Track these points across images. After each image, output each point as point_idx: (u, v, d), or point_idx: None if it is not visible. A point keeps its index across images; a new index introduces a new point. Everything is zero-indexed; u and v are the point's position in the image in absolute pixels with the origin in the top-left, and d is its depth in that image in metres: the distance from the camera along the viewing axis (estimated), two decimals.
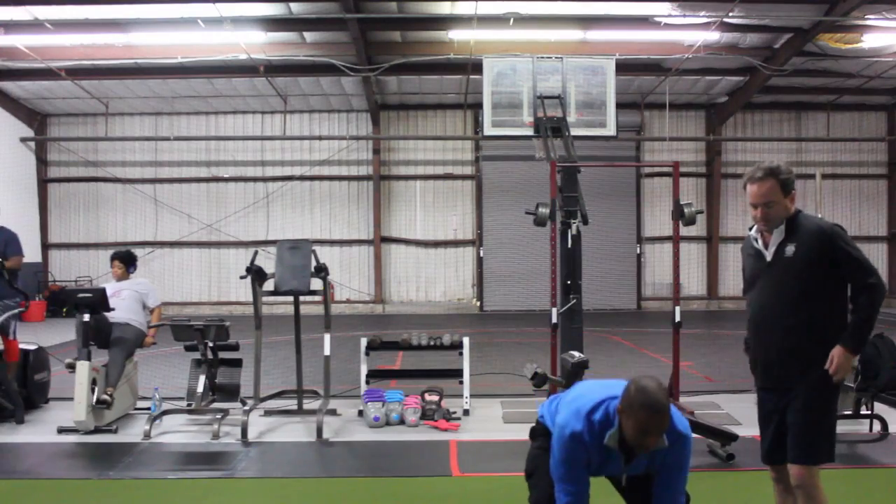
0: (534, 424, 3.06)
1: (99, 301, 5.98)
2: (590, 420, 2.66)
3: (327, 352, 6.26)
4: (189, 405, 6.16)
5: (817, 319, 3.10)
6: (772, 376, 3.21)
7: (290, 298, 6.40)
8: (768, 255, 3.21)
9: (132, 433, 5.86)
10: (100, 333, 6.17)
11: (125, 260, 6.84)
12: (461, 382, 6.47)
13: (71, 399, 5.88)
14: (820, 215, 6.64)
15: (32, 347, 6.75)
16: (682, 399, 6.41)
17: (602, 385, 2.81)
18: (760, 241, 3.27)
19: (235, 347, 6.26)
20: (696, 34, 13.16)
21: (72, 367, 5.94)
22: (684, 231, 7.80)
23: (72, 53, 13.94)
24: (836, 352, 3.03)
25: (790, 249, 3.13)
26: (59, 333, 12.25)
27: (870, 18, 12.45)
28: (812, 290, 3.09)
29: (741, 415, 6.13)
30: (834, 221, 3.22)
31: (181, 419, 6.20)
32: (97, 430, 5.77)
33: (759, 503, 4.27)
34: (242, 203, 17.64)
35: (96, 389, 5.87)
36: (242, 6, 12.37)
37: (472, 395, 6.51)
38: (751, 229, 3.34)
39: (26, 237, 7.07)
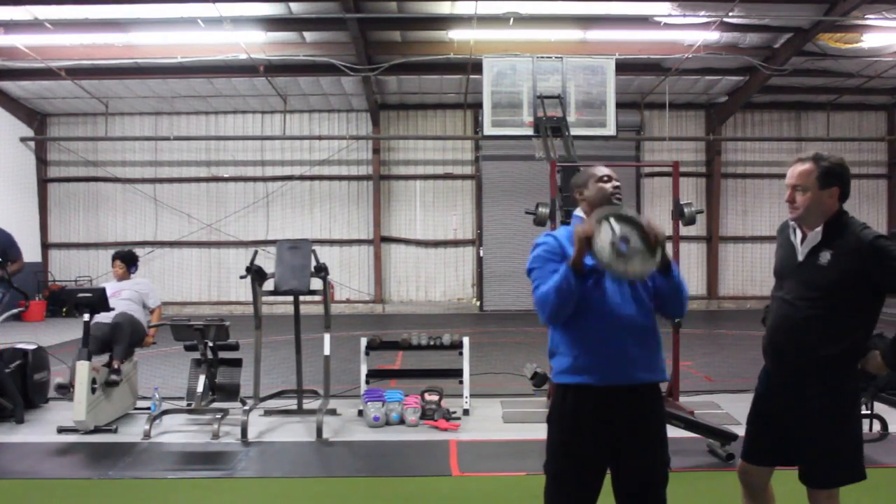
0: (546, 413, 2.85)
1: (99, 301, 5.98)
2: (556, 231, 2.90)
3: (327, 352, 6.26)
4: (189, 405, 6.17)
5: (844, 333, 2.85)
6: (784, 385, 2.96)
7: (290, 298, 6.40)
8: (800, 255, 2.91)
9: (132, 433, 5.85)
10: (102, 341, 6.18)
11: (127, 260, 6.85)
12: (461, 382, 6.47)
13: (71, 399, 5.89)
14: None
15: (32, 347, 6.74)
16: (682, 399, 6.41)
17: None
18: (798, 235, 2.94)
19: (235, 347, 6.27)
20: (695, 34, 13.16)
21: (62, 387, 6.04)
22: (684, 231, 7.81)
23: (72, 53, 13.94)
24: (874, 357, 2.87)
25: (825, 257, 2.82)
26: (59, 333, 12.25)
27: (870, 18, 12.45)
28: (842, 304, 2.82)
29: (741, 415, 6.10)
30: (877, 233, 2.83)
31: (181, 419, 6.20)
32: (97, 430, 5.76)
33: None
34: (242, 203, 17.65)
35: (98, 382, 5.87)
36: (242, 6, 12.37)
37: (472, 395, 6.51)
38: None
39: (26, 237, 7.09)
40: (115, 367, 6.02)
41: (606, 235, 2.55)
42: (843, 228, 2.85)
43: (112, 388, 5.96)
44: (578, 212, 2.90)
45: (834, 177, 2.86)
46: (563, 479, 2.69)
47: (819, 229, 2.87)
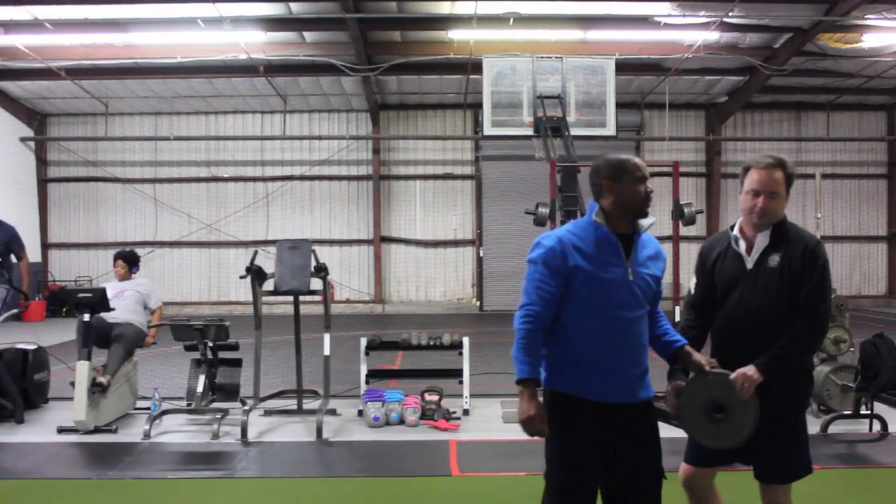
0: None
1: (99, 301, 5.98)
2: (564, 230, 2.63)
3: (327, 352, 6.26)
4: (189, 405, 6.16)
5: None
6: None
7: (290, 298, 6.39)
8: (749, 262, 2.90)
9: (132, 433, 5.85)
10: (99, 336, 6.17)
11: (128, 260, 6.85)
12: (461, 382, 6.47)
13: (71, 399, 5.89)
14: (819, 216, 6.67)
15: (32, 347, 6.74)
16: None
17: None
18: (743, 244, 2.94)
19: (235, 347, 6.26)
20: (695, 34, 13.16)
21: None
22: (684, 231, 7.80)
23: (72, 53, 13.94)
24: (750, 371, 2.74)
25: (774, 260, 2.84)
26: (59, 333, 12.24)
27: (870, 18, 12.45)
28: (791, 305, 2.83)
29: None
30: (818, 238, 2.91)
31: (181, 419, 6.20)
32: (97, 430, 5.76)
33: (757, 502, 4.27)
34: (242, 203, 17.64)
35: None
36: (242, 6, 12.38)
37: (471, 395, 6.51)
38: (731, 228, 3.01)
39: (26, 237, 7.11)
40: (106, 380, 5.87)
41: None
42: (789, 231, 2.90)
43: (96, 391, 5.79)
44: (596, 211, 2.62)
45: (792, 181, 2.94)
46: (567, 489, 2.56)
47: (768, 232, 2.89)
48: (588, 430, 2.54)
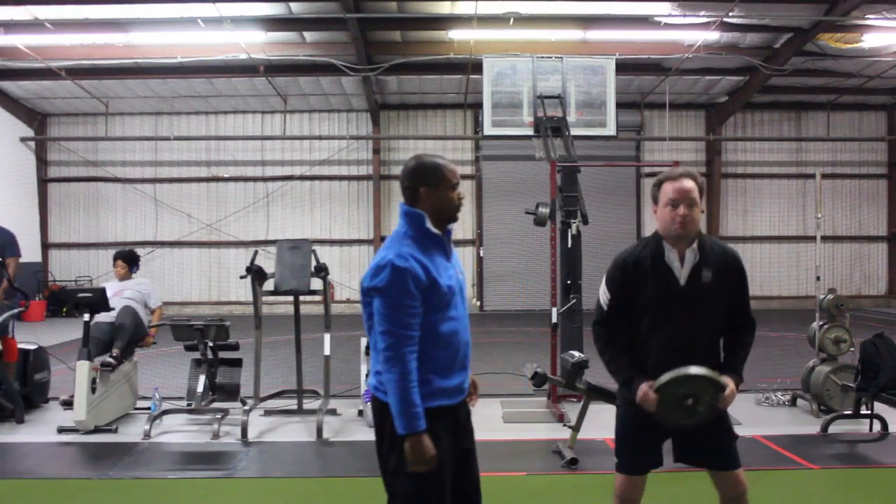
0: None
1: (99, 301, 5.99)
2: (402, 246, 2.50)
3: (327, 351, 6.27)
4: (189, 405, 6.17)
5: (718, 349, 2.99)
6: None
7: (290, 298, 6.40)
8: (682, 279, 2.85)
9: (132, 433, 5.86)
10: (103, 340, 6.20)
11: (128, 259, 6.86)
12: None
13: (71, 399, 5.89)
14: (819, 216, 6.67)
15: (32, 347, 6.74)
16: None
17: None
18: (674, 259, 2.88)
19: (235, 347, 6.27)
20: (696, 34, 13.16)
21: (67, 403, 6.11)
22: None
23: (72, 53, 13.94)
24: (732, 386, 2.85)
25: (707, 275, 2.84)
26: (59, 333, 12.25)
27: (870, 18, 12.45)
28: (721, 321, 2.92)
29: (741, 414, 6.13)
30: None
31: (181, 419, 6.20)
32: (97, 430, 5.77)
33: (757, 502, 4.27)
34: (242, 203, 17.64)
35: (97, 381, 5.87)
36: (242, 6, 12.37)
37: None
38: (650, 243, 2.95)
39: (26, 237, 7.10)
40: (114, 353, 6.04)
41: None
42: (709, 244, 2.92)
43: (107, 371, 5.92)
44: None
45: (703, 190, 2.96)
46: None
47: (694, 247, 2.87)
48: (445, 436, 2.59)
